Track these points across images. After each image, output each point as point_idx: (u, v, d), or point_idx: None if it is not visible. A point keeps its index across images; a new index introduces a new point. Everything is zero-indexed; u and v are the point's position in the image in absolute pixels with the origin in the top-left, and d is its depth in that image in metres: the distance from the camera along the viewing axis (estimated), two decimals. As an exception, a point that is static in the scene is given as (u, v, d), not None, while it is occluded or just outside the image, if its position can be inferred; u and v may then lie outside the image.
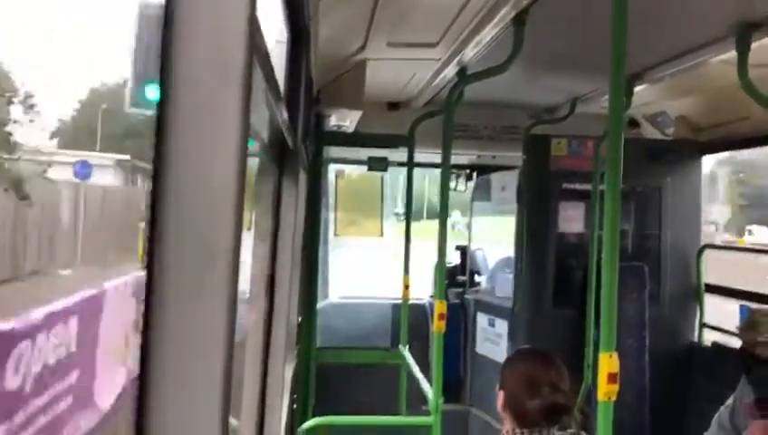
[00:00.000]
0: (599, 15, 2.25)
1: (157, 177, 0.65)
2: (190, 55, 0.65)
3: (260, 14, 1.15)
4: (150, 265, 0.64)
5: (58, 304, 1.85)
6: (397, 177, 7.15)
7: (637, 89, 4.14)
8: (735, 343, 4.30)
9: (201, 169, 0.66)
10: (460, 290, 6.25)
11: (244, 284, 2.27)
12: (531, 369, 2.18)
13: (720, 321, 4.96)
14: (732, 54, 3.19)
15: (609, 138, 2.19)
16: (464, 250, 6.52)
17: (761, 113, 3.76)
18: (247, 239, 2.26)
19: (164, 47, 0.64)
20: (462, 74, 3.88)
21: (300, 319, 4.74)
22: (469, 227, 6.64)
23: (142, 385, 0.63)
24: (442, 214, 3.92)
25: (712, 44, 3.33)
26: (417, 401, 4.64)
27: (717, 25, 3.14)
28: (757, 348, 3.33)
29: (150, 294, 0.64)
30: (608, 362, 2.11)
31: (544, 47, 3.64)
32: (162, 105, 0.65)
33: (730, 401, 3.58)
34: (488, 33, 3.16)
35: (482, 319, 5.73)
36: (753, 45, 3.11)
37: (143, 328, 0.64)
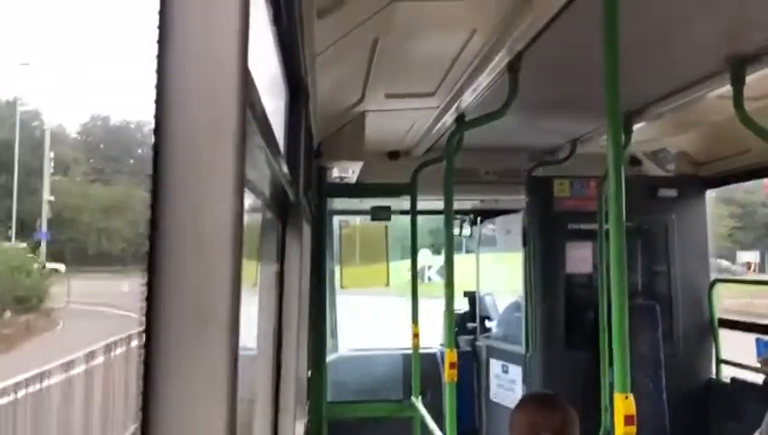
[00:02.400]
0: (591, 57, 2.28)
1: (153, 236, 0.64)
2: (182, 113, 0.65)
3: (256, 70, 1.16)
4: (148, 326, 0.63)
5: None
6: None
7: (636, 126, 4.16)
8: (755, 377, 4.21)
9: (197, 227, 0.65)
10: (471, 337, 6.18)
11: (251, 340, 2.24)
12: (533, 415, 2.14)
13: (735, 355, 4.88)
14: (727, 89, 3.21)
15: (609, 176, 2.19)
16: (472, 296, 6.46)
17: (760, 145, 3.77)
18: (254, 295, 2.25)
19: (157, 104, 0.65)
20: (460, 121, 3.92)
21: (309, 373, 4.68)
22: (477, 272, 6.59)
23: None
24: (447, 260, 3.90)
25: (707, 80, 3.36)
26: None
27: (711, 60, 3.17)
28: None
29: (149, 354, 0.63)
30: (623, 404, 2.07)
31: (540, 91, 3.68)
32: (156, 163, 0.64)
33: (756, 434, 3.50)
34: (484, 80, 3.20)
35: (495, 365, 5.65)
36: (748, 79, 3.14)
37: (142, 390, 0.63)
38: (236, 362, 0.67)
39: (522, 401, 2.40)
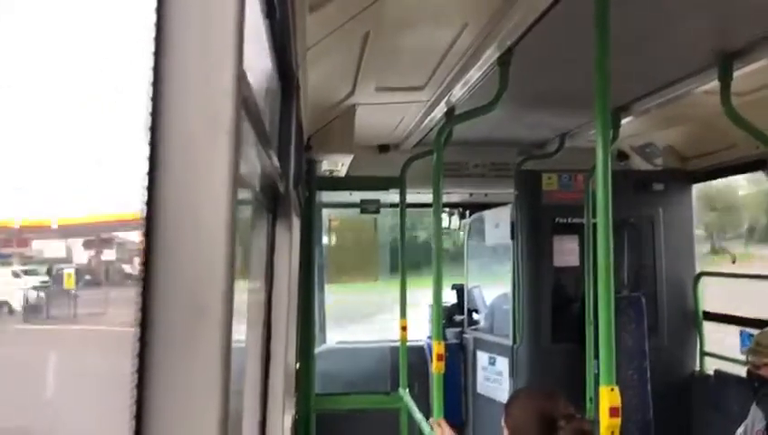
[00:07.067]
0: (582, 52, 2.29)
1: (148, 229, 0.65)
2: (179, 109, 0.65)
3: (249, 64, 1.17)
4: (143, 319, 0.64)
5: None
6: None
7: (624, 121, 4.19)
8: (738, 370, 4.26)
9: (192, 220, 0.66)
10: (458, 329, 6.21)
11: (241, 332, 2.25)
12: (540, 405, 2.11)
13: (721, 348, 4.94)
14: (715, 84, 3.24)
15: (597, 170, 2.20)
16: (460, 289, 6.48)
17: (746, 140, 3.81)
18: (243, 287, 2.25)
19: (153, 101, 0.65)
20: (450, 115, 3.93)
21: (298, 365, 4.69)
22: (465, 265, 6.61)
23: (138, 442, 0.63)
24: (437, 254, 3.91)
25: (695, 75, 3.39)
26: None
27: (699, 56, 3.19)
28: (763, 370, 3.31)
29: (144, 348, 0.64)
30: (608, 396, 2.09)
31: (530, 85, 3.69)
32: (152, 158, 0.65)
33: (741, 429, 3.54)
34: (474, 74, 3.21)
35: (482, 357, 5.68)
36: (735, 75, 3.16)
37: (137, 383, 0.64)
38: (229, 355, 0.68)
39: (523, 393, 2.36)
